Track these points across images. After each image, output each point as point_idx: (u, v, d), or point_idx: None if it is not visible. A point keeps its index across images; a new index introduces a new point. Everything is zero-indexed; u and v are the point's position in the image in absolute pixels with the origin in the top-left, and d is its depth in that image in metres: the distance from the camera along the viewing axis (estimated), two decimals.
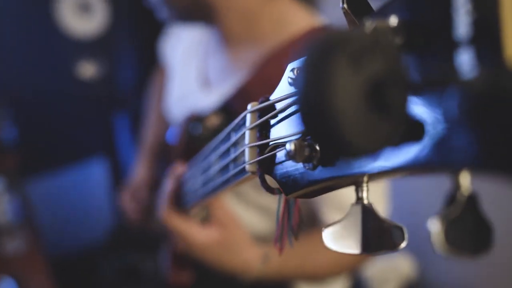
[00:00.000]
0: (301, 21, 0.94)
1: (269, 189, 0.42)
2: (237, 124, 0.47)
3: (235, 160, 0.48)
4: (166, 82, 1.51)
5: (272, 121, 0.41)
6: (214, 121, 0.96)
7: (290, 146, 0.33)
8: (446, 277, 1.70)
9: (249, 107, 0.44)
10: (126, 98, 1.92)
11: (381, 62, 0.20)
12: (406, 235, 0.33)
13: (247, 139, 0.43)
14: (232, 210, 0.84)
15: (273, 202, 1.03)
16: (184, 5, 0.96)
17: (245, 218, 1.02)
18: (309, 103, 0.21)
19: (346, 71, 0.20)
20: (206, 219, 0.83)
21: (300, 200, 0.98)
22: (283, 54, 0.90)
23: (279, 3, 0.96)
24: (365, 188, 0.35)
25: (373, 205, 0.35)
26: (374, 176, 0.30)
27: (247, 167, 0.42)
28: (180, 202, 0.84)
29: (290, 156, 0.34)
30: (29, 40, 1.99)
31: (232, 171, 0.48)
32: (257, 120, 0.42)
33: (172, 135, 1.17)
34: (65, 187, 2.38)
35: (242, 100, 0.94)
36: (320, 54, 0.21)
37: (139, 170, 1.40)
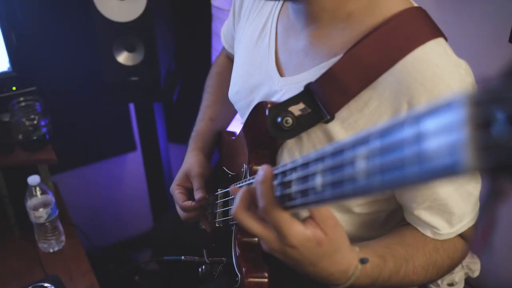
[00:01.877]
0: (394, 1, 0.85)
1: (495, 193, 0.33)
2: (426, 113, 0.38)
3: (419, 157, 0.38)
4: (229, 68, 1.42)
5: None
6: (299, 108, 0.87)
7: None
8: (505, 272, 1.62)
9: None
10: (164, 86, 1.82)
11: None
12: None
13: (467, 136, 0.33)
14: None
15: (353, 203, 0.95)
16: None
17: None
18: None
19: None
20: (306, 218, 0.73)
21: (389, 193, 0.90)
22: (378, 36, 0.82)
23: None
24: None
25: None
26: None
27: (466, 167, 0.33)
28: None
29: None
30: (64, 26, 1.90)
31: (419, 169, 0.38)
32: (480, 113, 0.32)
33: (243, 124, 1.08)
34: (100, 181, 2.31)
35: (330, 84, 0.85)
36: None
37: (194, 155, 1.29)
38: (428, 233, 0.90)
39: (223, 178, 1.21)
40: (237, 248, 1.01)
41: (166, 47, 1.86)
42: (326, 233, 0.70)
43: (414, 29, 0.82)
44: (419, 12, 0.84)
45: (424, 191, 0.84)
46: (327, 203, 0.57)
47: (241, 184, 0.97)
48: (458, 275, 1.52)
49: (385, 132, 0.44)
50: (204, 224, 1.28)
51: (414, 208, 0.87)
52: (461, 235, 0.92)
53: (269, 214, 0.69)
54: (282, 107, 0.88)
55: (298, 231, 0.69)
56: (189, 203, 1.21)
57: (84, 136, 2.11)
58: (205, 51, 2.05)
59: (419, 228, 0.91)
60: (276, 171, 0.69)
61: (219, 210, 1.19)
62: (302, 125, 0.87)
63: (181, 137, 2.32)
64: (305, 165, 0.60)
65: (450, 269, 0.94)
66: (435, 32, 0.82)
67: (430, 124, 0.38)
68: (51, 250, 1.63)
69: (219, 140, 1.34)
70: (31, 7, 1.79)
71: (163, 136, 2.11)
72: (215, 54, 2.02)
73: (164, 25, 1.84)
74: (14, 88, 1.67)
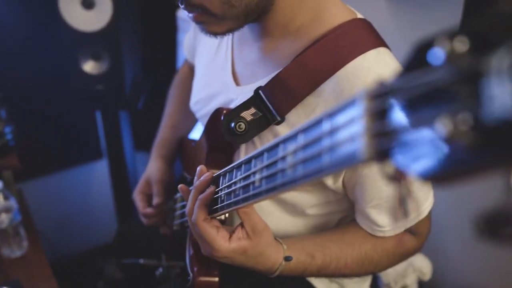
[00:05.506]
0: (340, 13, 0.90)
1: (392, 177, 0.39)
2: (338, 110, 0.44)
3: (331, 148, 0.44)
4: (190, 77, 1.47)
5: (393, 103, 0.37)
6: (250, 112, 0.92)
7: (444, 127, 0.30)
8: (458, 274, 1.69)
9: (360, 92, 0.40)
10: (129, 95, 1.86)
11: None
12: None
13: (363, 126, 0.39)
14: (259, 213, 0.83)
15: (306, 205, 1.00)
16: (249, 7, 0.84)
17: (264, 209, 1.01)
18: None
19: None
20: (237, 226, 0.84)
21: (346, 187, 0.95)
22: (322, 44, 0.87)
23: None
24: None
25: None
26: None
27: (363, 153, 0.39)
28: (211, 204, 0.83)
29: (447, 137, 0.30)
30: (31, 33, 1.90)
31: (330, 159, 0.44)
32: (376, 105, 0.38)
33: (201, 132, 1.12)
34: (66, 189, 2.31)
35: (278, 87, 0.90)
36: None
37: (156, 162, 1.35)
38: (378, 234, 0.95)
39: (183, 183, 1.25)
40: (190, 248, 1.05)
41: (132, 56, 1.90)
42: (251, 238, 0.81)
43: (356, 38, 0.87)
44: (362, 23, 0.90)
45: (370, 190, 0.89)
46: (263, 197, 0.63)
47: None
48: (410, 278, 1.58)
49: (307, 129, 0.50)
50: (163, 228, 1.33)
51: (364, 206, 0.92)
52: (410, 230, 0.97)
53: (198, 226, 0.82)
54: (234, 113, 0.93)
55: (221, 245, 0.81)
56: (149, 209, 1.27)
57: (51, 143, 2.11)
58: (170, 61, 2.10)
59: (365, 227, 0.96)
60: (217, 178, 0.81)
61: (177, 213, 1.23)
62: (254, 129, 0.92)
63: (148, 145, 2.34)
64: (237, 168, 0.69)
65: (392, 264, 1.00)
66: (376, 41, 0.87)
67: (341, 119, 0.43)
68: (13, 256, 1.63)
69: (181, 147, 1.38)
70: None
71: (129, 145, 2.13)
72: (180, 64, 2.07)
73: (130, 35, 1.88)
74: None
